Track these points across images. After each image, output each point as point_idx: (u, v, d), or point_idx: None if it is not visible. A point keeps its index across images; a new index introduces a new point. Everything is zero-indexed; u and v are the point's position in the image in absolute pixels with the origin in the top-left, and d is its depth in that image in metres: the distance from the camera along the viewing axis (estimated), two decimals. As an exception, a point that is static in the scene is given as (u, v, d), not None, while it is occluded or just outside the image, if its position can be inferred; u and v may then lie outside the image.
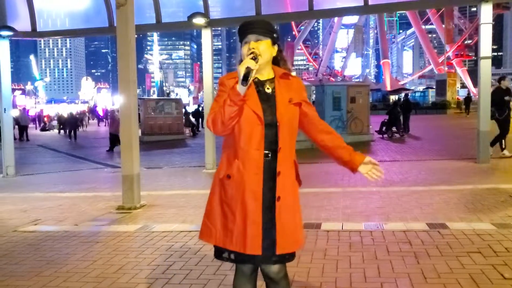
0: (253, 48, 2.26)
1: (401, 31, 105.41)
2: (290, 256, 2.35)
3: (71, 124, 27.57)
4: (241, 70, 2.15)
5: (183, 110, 27.77)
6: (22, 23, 11.70)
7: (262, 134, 2.25)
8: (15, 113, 24.87)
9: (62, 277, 4.01)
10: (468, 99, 37.26)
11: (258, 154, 2.25)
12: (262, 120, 2.24)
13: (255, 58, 2.20)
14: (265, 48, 2.30)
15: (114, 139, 17.33)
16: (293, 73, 2.54)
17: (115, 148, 17.31)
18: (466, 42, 73.09)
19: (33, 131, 35.85)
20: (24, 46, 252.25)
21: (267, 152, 2.27)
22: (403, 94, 56.65)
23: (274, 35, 2.36)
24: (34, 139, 27.28)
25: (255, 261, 2.31)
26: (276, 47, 2.39)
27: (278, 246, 2.25)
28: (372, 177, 2.42)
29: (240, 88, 2.17)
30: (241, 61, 2.32)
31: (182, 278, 3.86)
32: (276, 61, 2.42)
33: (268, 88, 2.34)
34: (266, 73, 2.37)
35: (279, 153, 2.28)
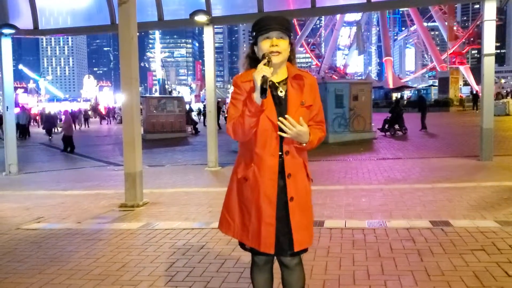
0: (276, 47, 2.26)
1: (403, 28, 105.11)
2: (303, 250, 2.41)
3: (49, 122, 27.65)
4: (257, 80, 2.14)
5: (187, 107, 27.86)
6: (24, 21, 11.71)
7: (277, 140, 2.29)
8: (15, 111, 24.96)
9: (65, 274, 4.02)
10: (476, 96, 37.36)
11: (273, 159, 2.30)
12: (277, 127, 2.25)
13: (268, 62, 2.19)
14: (286, 47, 2.31)
15: (68, 141, 17.41)
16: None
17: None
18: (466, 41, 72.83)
19: (35, 129, 35.91)
20: (26, 44, 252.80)
21: (280, 154, 2.31)
22: (405, 92, 56.63)
23: (291, 33, 2.37)
24: (36, 138, 27.31)
25: (272, 254, 2.39)
26: (290, 46, 2.37)
27: (295, 243, 2.33)
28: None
29: (258, 98, 2.17)
30: (250, 57, 2.37)
31: (185, 275, 3.86)
32: (288, 58, 2.40)
33: (281, 92, 2.33)
34: (281, 73, 2.36)
35: (288, 156, 2.31)
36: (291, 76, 2.36)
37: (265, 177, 2.29)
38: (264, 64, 2.18)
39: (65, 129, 17.82)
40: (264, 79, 2.13)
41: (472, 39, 69.88)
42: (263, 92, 2.13)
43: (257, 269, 2.54)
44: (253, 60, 2.40)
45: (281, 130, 2.23)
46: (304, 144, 2.28)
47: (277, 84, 2.34)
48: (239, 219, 2.43)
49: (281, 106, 2.30)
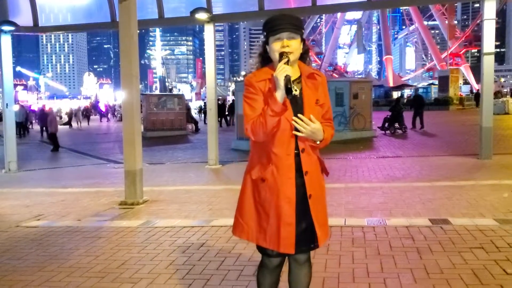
0: (287, 48, 2.25)
1: (404, 27, 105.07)
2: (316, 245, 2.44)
3: (41, 120, 27.53)
4: (280, 80, 2.14)
5: (188, 105, 27.82)
6: (24, 18, 11.70)
7: (293, 139, 2.30)
8: (15, 108, 24.90)
9: (65, 272, 4.02)
10: (478, 94, 37.41)
11: (290, 158, 2.30)
12: (293, 127, 2.26)
13: (287, 62, 2.19)
14: (297, 46, 2.31)
15: (55, 138, 17.39)
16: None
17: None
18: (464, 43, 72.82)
19: (36, 126, 35.86)
20: (26, 42, 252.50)
21: (296, 152, 2.32)
22: (405, 91, 56.59)
23: (303, 31, 2.36)
24: (36, 135, 27.31)
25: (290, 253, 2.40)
26: (302, 44, 2.37)
27: (319, 238, 2.36)
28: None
29: (280, 97, 2.16)
30: (262, 56, 2.39)
31: (185, 273, 3.87)
32: (301, 56, 2.40)
33: (296, 90, 2.30)
34: (294, 72, 2.35)
35: (303, 154, 2.32)
36: (305, 75, 2.37)
37: (284, 176, 2.29)
38: (284, 63, 2.18)
39: (50, 127, 17.67)
40: (287, 78, 2.14)
41: (469, 41, 69.86)
42: (288, 91, 2.13)
43: (268, 272, 2.51)
44: (265, 59, 2.41)
45: (296, 129, 2.25)
46: (319, 142, 2.31)
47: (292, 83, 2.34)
48: (255, 221, 2.39)
49: (297, 105, 2.30)
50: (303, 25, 2.36)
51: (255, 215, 2.39)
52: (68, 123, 35.31)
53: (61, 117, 41.43)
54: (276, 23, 2.29)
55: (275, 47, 2.28)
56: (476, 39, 69.71)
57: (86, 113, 42.06)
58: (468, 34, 70.79)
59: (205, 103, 29.20)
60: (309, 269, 2.53)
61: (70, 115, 36.72)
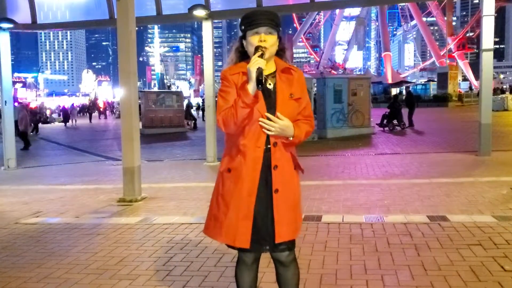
0: (264, 42, 2.27)
1: (402, 23, 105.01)
2: (291, 244, 2.42)
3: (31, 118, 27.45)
4: (253, 72, 2.16)
5: (187, 102, 27.80)
6: (22, 15, 11.68)
7: (264, 132, 2.29)
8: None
9: (63, 268, 4.03)
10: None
11: (259, 151, 2.30)
12: (266, 119, 2.26)
13: (262, 55, 2.21)
14: (274, 42, 2.32)
15: (25, 136, 17.34)
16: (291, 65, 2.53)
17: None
18: (467, 34, 72.77)
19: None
20: (24, 39, 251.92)
21: (267, 147, 2.31)
22: (404, 87, 56.57)
23: (280, 28, 2.38)
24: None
25: (262, 250, 2.40)
26: (278, 41, 2.38)
27: (276, 235, 2.32)
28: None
29: (252, 89, 2.18)
30: (239, 51, 2.40)
31: (183, 270, 3.87)
32: (277, 52, 2.41)
33: (269, 84, 2.35)
34: (269, 67, 2.36)
35: (275, 148, 2.32)
36: (280, 69, 2.38)
37: (250, 168, 2.29)
38: (258, 57, 2.20)
39: (20, 125, 17.49)
40: (260, 70, 2.16)
41: (462, 44, 69.84)
42: (259, 83, 2.15)
43: (245, 268, 2.50)
44: (242, 54, 2.42)
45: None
46: (291, 139, 2.30)
47: (266, 77, 2.34)
48: (213, 214, 2.40)
49: (270, 99, 2.31)
50: (280, 22, 2.38)
51: (215, 209, 2.40)
52: (64, 120, 35.01)
53: (90, 113, 41.01)
54: (255, 18, 2.32)
55: (252, 41, 2.30)
56: (469, 41, 69.96)
57: (88, 110, 41.94)
58: (462, 37, 70.79)
59: (203, 100, 29.18)
60: (295, 269, 2.50)
61: (66, 113, 36.32)
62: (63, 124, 34.67)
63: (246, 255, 2.47)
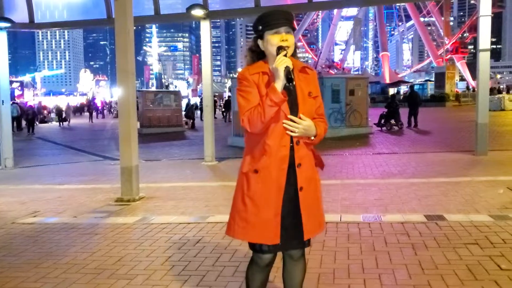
0: (286, 42, 2.30)
1: (400, 23, 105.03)
2: (308, 241, 2.46)
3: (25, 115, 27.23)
4: (281, 70, 2.20)
5: (192, 102, 27.85)
6: (19, 15, 11.65)
7: (288, 133, 2.32)
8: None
9: (61, 268, 4.03)
10: None
11: (285, 149, 2.32)
12: (288, 118, 2.30)
13: (285, 55, 2.25)
14: (293, 41, 2.36)
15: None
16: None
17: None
18: (464, 35, 72.97)
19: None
20: (22, 38, 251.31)
21: (290, 145, 2.34)
22: (401, 87, 56.62)
23: (295, 28, 2.43)
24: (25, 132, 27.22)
25: (281, 249, 2.42)
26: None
27: (305, 232, 2.36)
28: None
29: (280, 87, 2.22)
30: (253, 50, 2.43)
31: (180, 269, 3.88)
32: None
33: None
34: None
35: (298, 146, 2.34)
36: (298, 69, 2.40)
37: (277, 167, 2.31)
38: (284, 56, 2.24)
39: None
40: (288, 69, 2.21)
41: (455, 48, 69.96)
42: (289, 80, 2.21)
43: (258, 269, 2.50)
44: (256, 54, 2.44)
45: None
46: (313, 138, 2.34)
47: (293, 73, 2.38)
48: (242, 217, 2.39)
49: (290, 97, 2.33)
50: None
51: (243, 211, 2.39)
52: (60, 120, 34.47)
53: (91, 112, 40.60)
54: (274, 18, 2.34)
55: (273, 41, 2.32)
56: (462, 45, 70.15)
57: (88, 110, 41.72)
58: (455, 41, 70.97)
59: (201, 99, 29.12)
60: (304, 265, 2.55)
61: (60, 112, 35.51)
62: (57, 123, 34.06)
63: (260, 258, 2.45)
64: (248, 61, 2.46)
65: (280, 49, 2.28)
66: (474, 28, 70.11)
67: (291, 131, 2.28)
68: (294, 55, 2.44)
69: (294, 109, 2.32)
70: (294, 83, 2.23)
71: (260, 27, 2.37)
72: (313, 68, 2.49)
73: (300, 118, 2.29)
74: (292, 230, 2.36)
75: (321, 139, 2.40)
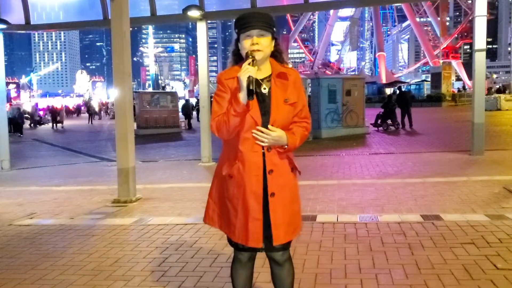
0: (256, 45, 2.26)
1: (396, 24, 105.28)
2: (287, 243, 2.45)
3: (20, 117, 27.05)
4: (243, 81, 2.17)
5: (186, 102, 27.85)
6: (15, 16, 11.62)
7: (258, 143, 2.31)
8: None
9: (58, 270, 4.02)
10: None
11: (257, 155, 2.31)
12: (260, 125, 2.28)
13: (252, 61, 2.21)
14: (267, 44, 2.31)
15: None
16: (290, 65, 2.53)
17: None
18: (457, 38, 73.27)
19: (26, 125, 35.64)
20: (18, 39, 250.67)
21: (263, 151, 2.32)
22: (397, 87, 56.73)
23: (274, 29, 2.36)
24: (29, 133, 27.17)
25: (257, 250, 2.43)
26: (273, 42, 2.38)
27: (274, 238, 2.35)
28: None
29: (244, 98, 2.19)
30: (236, 53, 2.38)
31: (178, 270, 3.88)
32: (273, 54, 2.41)
33: (264, 89, 2.34)
34: (264, 70, 2.37)
35: (269, 153, 2.33)
36: (275, 74, 2.37)
37: (250, 173, 2.31)
38: (249, 64, 2.19)
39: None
40: (250, 80, 2.16)
41: (464, 33, 70.14)
42: (250, 93, 2.16)
43: (240, 266, 2.55)
44: (238, 57, 2.41)
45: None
46: (286, 147, 2.32)
47: (260, 81, 2.34)
48: (225, 215, 2.44)
49: (264, 103, 2.31)
50: (274, 23, 2.35)
51: (225, 210, 2.43)
52: (54, 122, 33.81)
53: (91, 113, 40.18)
54: (246, 21, 2.30)
55: (245, 45, 2.30)
56: (453, 51, 70.34)
57: (89, 111, 41.43)
58: (464, 26, 71.05)
59: (197, 100, 29.12)
60: (290, 268, 2.53)
61: (54, 113, 35.10)
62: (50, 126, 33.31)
63: (241, 254, 2.50)
64: (232, 64, 2.44)
65: (247, 56, 2.24)
66: (466, 34, 70.52)
67: (260, 141, 2.28)
68: (276, 57, 2.42)
69: (267, 116, 2.29)
70: (253, 97, 2.18)
71: (237, 29, 2.35)
72: (294, 71, 2.43)
73: (269, 128, 2.26)
74: (265, 232, 2.35)
75: (296, 147, 2.37)
